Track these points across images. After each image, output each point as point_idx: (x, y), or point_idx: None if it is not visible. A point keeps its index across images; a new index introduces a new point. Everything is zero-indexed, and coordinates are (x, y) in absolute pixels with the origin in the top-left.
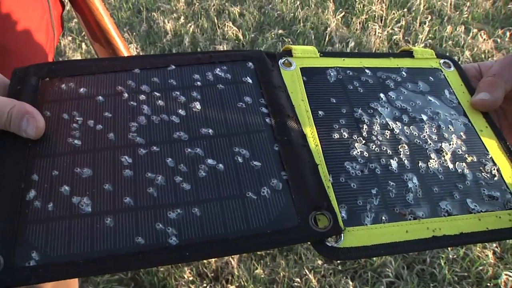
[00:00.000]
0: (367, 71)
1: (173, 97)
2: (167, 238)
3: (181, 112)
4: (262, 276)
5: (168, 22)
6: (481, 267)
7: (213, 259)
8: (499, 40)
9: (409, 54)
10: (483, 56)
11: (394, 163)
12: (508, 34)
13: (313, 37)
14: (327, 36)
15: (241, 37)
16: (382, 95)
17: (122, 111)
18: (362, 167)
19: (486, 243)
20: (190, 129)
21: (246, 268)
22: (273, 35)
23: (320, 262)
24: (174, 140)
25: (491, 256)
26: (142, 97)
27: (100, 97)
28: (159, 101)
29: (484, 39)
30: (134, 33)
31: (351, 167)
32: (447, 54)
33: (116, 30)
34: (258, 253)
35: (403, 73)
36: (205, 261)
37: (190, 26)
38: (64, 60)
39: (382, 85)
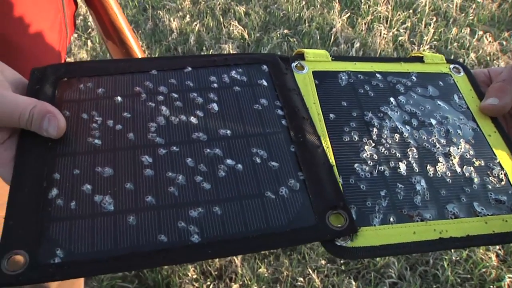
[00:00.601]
0: (377, 75)
1: (191, 98)
2: (189, 236)
3: (199, 113)
4: (266, 275)
5: (174, 21)
6: (484, 269)
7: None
8: (504, 42)
9: (419, 59)
10: (488, 58)
11: (402, 166)
12: None
13: (318, 38)
14: (333, 37)
15: (246, 36)
16: (392, 99)
17: (140, 112)
18: (372, 169)
19: (489, 246)
20: (208, 130)
21: (249, 267)
22: (278, 35)
23: (323, 262)
24: (193, 140)
25: (494, 259)
26: (160, 98)
27: (118, 97)
28: (177, 102)
29: (490, 41)
30: (140, 31)
31: (360, 169)
32: (453, 57)
33: (130, 29)
34: (262, 252)
35: (413, 77)
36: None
37: (196, 24)
38: (81, 61)
39: (392, 89)
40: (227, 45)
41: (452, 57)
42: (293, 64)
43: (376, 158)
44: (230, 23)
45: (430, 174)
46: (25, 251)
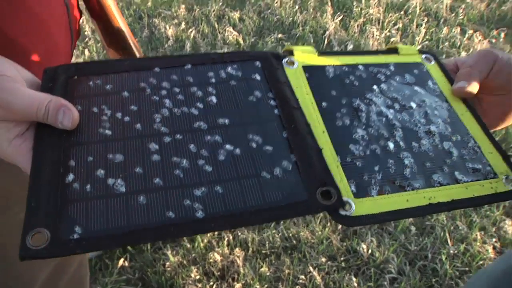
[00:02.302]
0: (360, 67)
1: (191, 92)
2: (194, 213)
3: (199, 105)
4: (267, 274)
5: (169, 28)
6: (481, 262)
7: (219, 258)
8: (494, 40)
9: (394, 50)
10: None
11: (391, 144)
12: (502, 34)
13: (312, 41)
14: (326, 40)
15: (241, 41)
16: (375, 87)
17: (146, 105)
18: (365, 148)
19: (486, 239)
20: (208, 120)
21: (251, 267)
22: (272, 39)
23: (324, 259)
24: (195, 129)
25: (491, 251)
26: (164, 92)
27: (125, 92)
28: (179, 96)
29: (480, 39)
30: (136, 39)
31: (355, 148)
32: (445, 56)
33: (132, 36)
34: (263, 251)
35: (391, 67)
36: (211, 260)
37: (191, 31)
38: (89, 61)
39: (374, 78)
40: (223, 50)
41: (444, 56)
42: (284, 60)
43: (367, 138)
44: (225, 29)
45: (415, 150)
46: (46, 229)
